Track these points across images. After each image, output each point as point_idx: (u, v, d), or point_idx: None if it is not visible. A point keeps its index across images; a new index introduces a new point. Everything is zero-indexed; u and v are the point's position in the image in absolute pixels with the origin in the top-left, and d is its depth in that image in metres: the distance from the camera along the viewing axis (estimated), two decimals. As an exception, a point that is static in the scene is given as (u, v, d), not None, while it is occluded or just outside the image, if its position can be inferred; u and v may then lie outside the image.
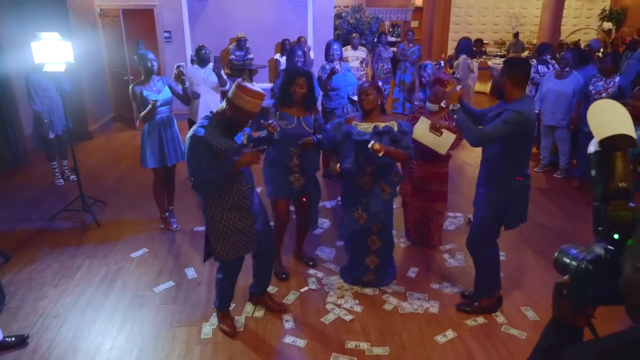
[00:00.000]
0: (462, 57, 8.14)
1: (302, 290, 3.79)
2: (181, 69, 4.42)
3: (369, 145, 3.25)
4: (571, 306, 1.14)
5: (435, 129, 3.71)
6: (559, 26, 10.81)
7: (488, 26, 16.38)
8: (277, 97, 3.74)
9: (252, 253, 3.26)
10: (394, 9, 15.73)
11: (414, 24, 15.84)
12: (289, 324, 3.39)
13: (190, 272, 4.05)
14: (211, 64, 5.83)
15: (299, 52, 5.39)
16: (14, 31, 6.57)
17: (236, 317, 3.43)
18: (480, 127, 3.26)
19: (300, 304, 3.63)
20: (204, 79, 5.60)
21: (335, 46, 5.76)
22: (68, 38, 4.66)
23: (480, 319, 3.44)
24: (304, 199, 3.91)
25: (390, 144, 3.40)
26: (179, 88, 4.56)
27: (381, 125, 3.48)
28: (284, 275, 3.93)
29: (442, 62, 7.13)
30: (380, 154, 3.24)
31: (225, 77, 5.86)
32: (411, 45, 9.46)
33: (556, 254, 1.18)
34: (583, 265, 1.09)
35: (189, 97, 4.63)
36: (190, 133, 2.84)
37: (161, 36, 8.86)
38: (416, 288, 3.82)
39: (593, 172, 1.14)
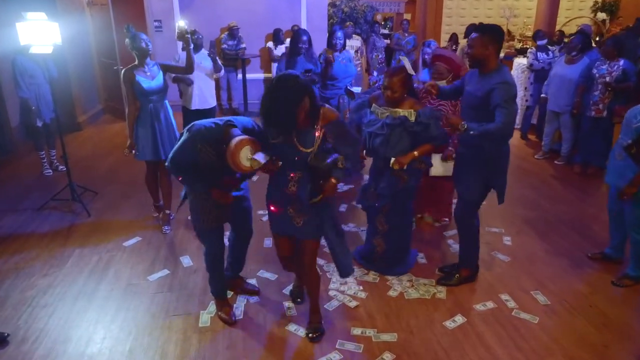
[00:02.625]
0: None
1: (303, 277, 3.64)
2: (184, 26, 4.13)
3: (390, 165, 3.28)
4: None
5: (446, 159, 4.01)
6: (555, 15, 10.72)
7: (480, 18, 16.23)
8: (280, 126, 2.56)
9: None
10: (387, 0, 15.59)
11: (407, 16, 15.69)
12: (291, 311, 3.25)
13: (186, 260, 3.88)
14: (204, 50, 5.66)
15: (304, 38, 5.15)
16: (-2, 14, 6.33)
17: (235, 305, 3.28)
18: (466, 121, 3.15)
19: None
20: (198, 64, 5.36)
21: (339, 34, 5.39)
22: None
23: (490, 304, 3.32)
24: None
25: (407, 135, 3.27)
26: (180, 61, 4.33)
27: (397, 113, 3.27)
28: (299, 300, 3.38)
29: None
30: (404, 167, 3.30)
31: (220, 63, 5.69)
32: (406, 35, 9.34)
33: None
34: None
35: (192, 63, 4.29)
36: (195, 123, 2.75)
37: (151, 25, 8.63)
38: (421, 274, 3.69)
39: None
